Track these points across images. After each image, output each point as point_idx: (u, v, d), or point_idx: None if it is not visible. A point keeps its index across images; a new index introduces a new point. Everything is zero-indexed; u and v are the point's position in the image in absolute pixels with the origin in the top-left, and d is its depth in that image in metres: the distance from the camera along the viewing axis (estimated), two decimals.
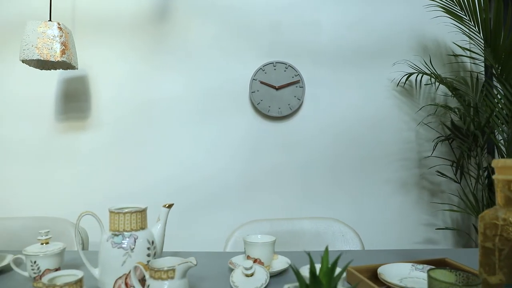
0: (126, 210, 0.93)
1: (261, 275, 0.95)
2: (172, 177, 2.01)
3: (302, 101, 1.97)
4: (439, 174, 1.90)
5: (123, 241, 0.90)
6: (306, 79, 2.00)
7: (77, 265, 1.12)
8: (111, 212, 0.93)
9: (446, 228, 1.77)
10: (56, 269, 0.98)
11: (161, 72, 2.03)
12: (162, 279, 0.79)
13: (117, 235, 0.92)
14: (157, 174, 2.01)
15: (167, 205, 1.02)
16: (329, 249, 1.55)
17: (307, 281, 0.72)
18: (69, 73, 2.04)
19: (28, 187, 2.02)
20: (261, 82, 1.96)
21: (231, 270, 1.08)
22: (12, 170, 2.02)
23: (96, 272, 0.93)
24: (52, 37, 1.65)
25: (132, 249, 0.90)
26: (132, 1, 2.03)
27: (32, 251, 0.96)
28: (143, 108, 2.02)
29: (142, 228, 0.95)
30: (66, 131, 2.03)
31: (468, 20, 1.72)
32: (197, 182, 2.01)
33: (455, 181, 1.84)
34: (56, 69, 1.84)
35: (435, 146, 1.93)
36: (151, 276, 0.81)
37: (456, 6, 1.71)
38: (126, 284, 0.90)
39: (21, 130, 2.03)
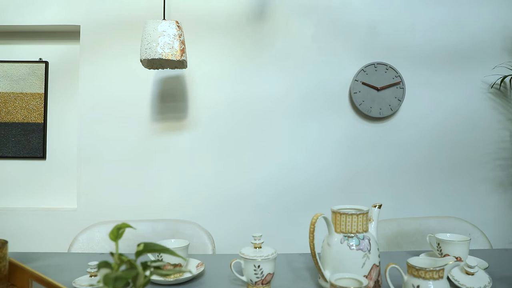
0: (358, 212, 0.92)
1: (483, 276, 0.96)
2: (273, 179, 1.99)
3: (402, 102, 1.98)
4: None
5: (360, 243, 0.90)
6: (405, 80, 2.02)
7: None
8: (342, 214, 0.92)
9: None
10: (273, 273, 0.96)
11: (259, 72, 2.01)
12: (434, 278, 0.80)
13: (351, 237, 0.91)
14: (258, 175, 1.99)
15: (377, 206, 1.02)
16: None
17: None
18: (165, 72, 2.01)
19: (127, 188, 1.98)
20: (363, 83, 1.96)
21: None
22: (110, 171, 1.98)
23: (327, 274, 0.92)
24: (172, 36, 1.62)
25: (369, 250, 0.90)
26: (230, 0, 2.01)
27: (253, 256, 0.94)
28: (242, 108, 2.00)
29: (368, 230, 0.94)
30: (163, 132, 1.99)
31: None
32: (297, 183, 2.00)
33: None
34: (163, 69, 1.81)
35: None
36: (418, 276, 0.81)
37: None
38: None
39: (120, 131, 1.98)
